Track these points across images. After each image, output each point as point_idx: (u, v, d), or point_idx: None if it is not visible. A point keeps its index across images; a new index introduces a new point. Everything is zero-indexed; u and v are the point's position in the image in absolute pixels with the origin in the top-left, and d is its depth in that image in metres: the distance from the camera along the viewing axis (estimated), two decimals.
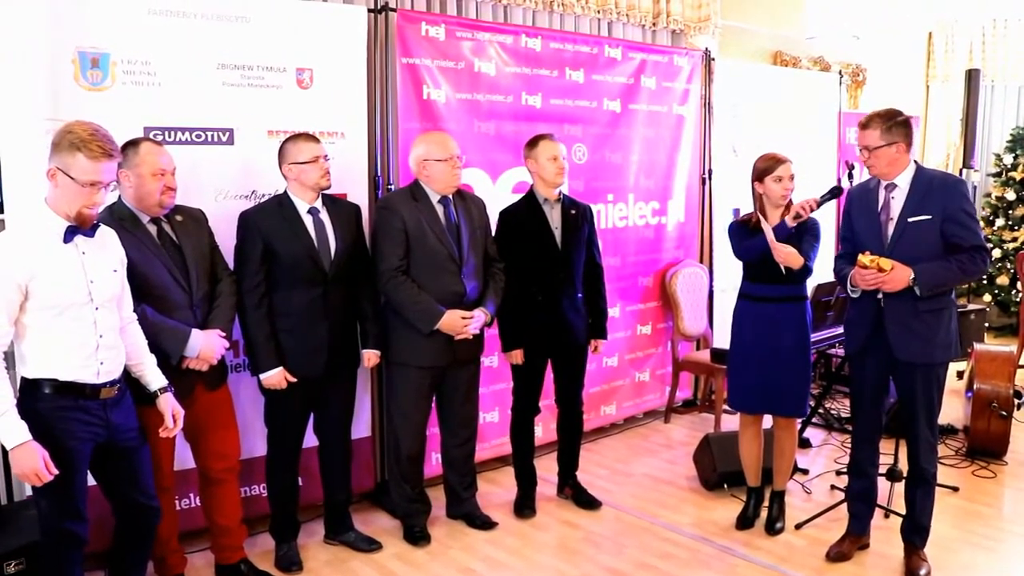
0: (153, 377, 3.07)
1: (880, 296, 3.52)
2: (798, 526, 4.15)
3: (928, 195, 3.46)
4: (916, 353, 3.53)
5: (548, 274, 4.10)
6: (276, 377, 3.60)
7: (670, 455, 5.31)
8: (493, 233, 4.16)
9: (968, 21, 8.92)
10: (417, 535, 4.06)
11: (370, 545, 3.99)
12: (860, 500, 3.89)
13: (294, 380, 3.63)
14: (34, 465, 2.62)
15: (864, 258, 3.42)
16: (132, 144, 3.22)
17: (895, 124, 3.50)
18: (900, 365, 3.58)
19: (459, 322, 3.82)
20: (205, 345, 3.29)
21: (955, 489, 4.62)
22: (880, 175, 3.56)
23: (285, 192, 3.67)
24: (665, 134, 5.77)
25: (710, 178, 6.14)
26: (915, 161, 3.57)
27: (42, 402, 2.72)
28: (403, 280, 3.79)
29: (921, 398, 3.61)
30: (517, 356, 4.18)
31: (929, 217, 3.44)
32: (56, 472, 2.67)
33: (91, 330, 2.78)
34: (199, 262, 3.36)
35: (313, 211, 3.66)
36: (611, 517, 4.38)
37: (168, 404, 3.07)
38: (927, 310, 3.48)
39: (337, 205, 3.80)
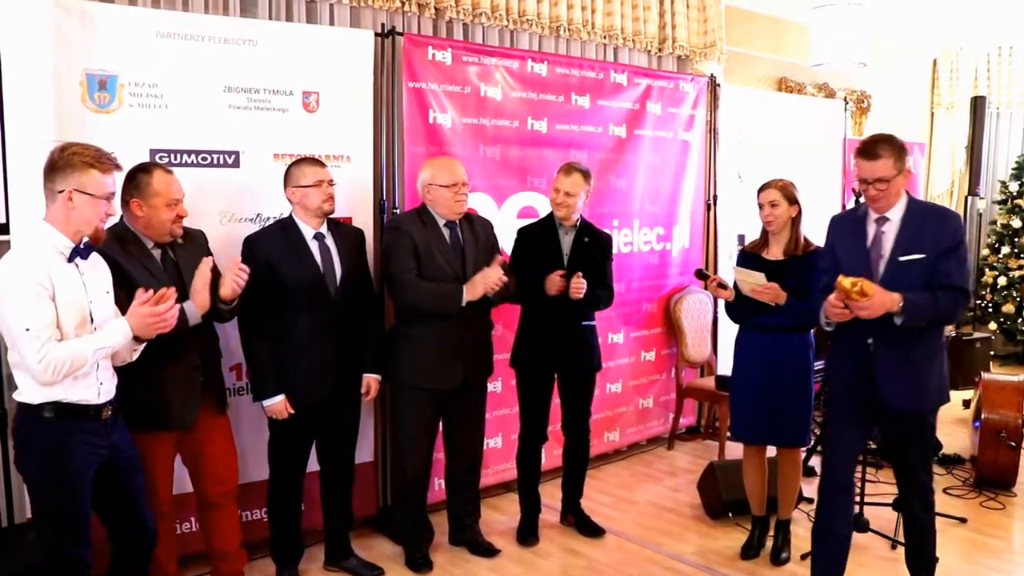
0: (114, 334, 2.77)
1: (871, 342, 3.24)
2: (804, 556, 4.08)
3: (921, 231, 3.21)
4: (909, 401, 3.27)
5: (554, 296, 4.06)
6: (279, 405, 3.59)
7: (673, 482, 5.26)
8: (506, 251, 4.17)
9: (974, 48, 8.95)
10: (419, 562, 4.01)
11: (371, 572, 3.94)
12: (829, 565, 3.48)
13: (293, 412, 3.61)
14: (143, 312, 2.75)
15: (846, 281, 3.06)
16: (144, 172, 3.20)
17: (902, 150, 3.24)
18: (891, 413, 3.30)
19: (478, 279, 3.75)
20: (198, 304, 3.18)
21: (963, 520, 4.57)
22: (883, 209, 3.27)
23: (290, 216, 3.66)
24: (670, 160, 5.77)
25: (715, 204, 6.14)
26: (906, 191, 3.33)
27: (46, 427, 2.70)
28: (419, 280, 3.78)
29: (915, 444, 3.38)
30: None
31: (922, 256, 3.18)
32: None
33: None
34: None
35: (319, 236, 3.65)
36: (614, 545, 4.34)
37: (135, 311, 2.81)
38: (922, 357, 3.26)
39: (341, 229, 3.79)
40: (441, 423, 4.08)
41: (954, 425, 6.33)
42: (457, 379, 3.88)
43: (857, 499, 4.25)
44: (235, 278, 3.27)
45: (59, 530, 2.77)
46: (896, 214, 3.26)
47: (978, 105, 7.94)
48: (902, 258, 3.21)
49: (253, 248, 3.57)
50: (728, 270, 4.30)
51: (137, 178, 3.16)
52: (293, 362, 3.60)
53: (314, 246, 3.64)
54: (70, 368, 2.65)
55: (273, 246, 3.57)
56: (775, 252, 3.98)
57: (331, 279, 3.65)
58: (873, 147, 3.22)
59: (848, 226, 3.40)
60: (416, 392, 3.90)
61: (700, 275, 4.27)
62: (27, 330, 2.60)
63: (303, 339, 3.60)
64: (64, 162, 2.69)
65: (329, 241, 3.68)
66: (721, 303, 4.40)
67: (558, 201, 4.13)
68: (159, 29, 3.66)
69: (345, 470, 3.92)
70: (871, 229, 3.30)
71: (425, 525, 4.15)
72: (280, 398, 3.59)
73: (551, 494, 4.61)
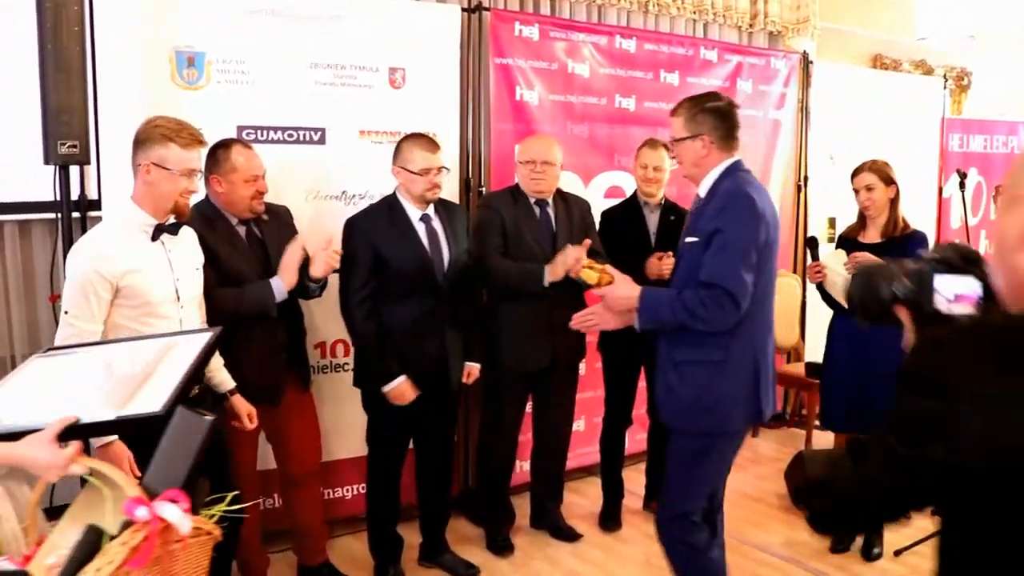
0: (223, 378, 3.02)
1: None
2: (897, 553, 3.94)
3: (704, 211, 2.74)
4: (660, 407, 2.87)
5: (641, 278, 3.96)
6: (403, 386, 3.38)
7: (759, 471, 5.13)
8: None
9: None
10: (501, 544, 3.98)
11: (468, 570, 3.77)
12: None
13: (418, 392, 3.41)
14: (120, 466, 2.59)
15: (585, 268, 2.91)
16: (223, 147, 3.18)
17: (702, 111, 2.74)
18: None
19: (559, 259, 3.54)
20: (286, 281, 3.14)
21: None
22: (688, 177, 2.86)
23: (394, 194, 3.49)
24: (761, 139, 5.59)
25: (806, 185, 5.94)
26: (734, 165, 2.78)
27: None
28: (501, 258, 3.70)
29: (669, 464, 2.91)
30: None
31: (696, 240, 2.70)
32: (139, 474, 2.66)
33: (177, 328, 2.75)
34: None
35: (425, 218, 3.46)
36: None
37: (242, 404, 3.05)
38: (685, 361, 2.75)
39: (449, 210, 3.60)
40: (530, 405, 4.02)
41: None
42: (546, 359, 3.80)
43: None
44: (328, 258, 3.21)
45: None
46: (704, 189, 2.79)
47: None
48: (687, 239, 2.79)
49: (356, 230, 3.41)
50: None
51: (216, 154, 3.15)
52: (396, 353, 3.39)
53: (420, 228, 3.44)
54: None
55: (378, 227, 3.38)
56: (872, 235, 3.86)
57: (439, 265, 3.45)
58: (676, 104, 2.86)
59: None
60: (504, 372, 3.83)
61: (811, 244, 4.10)
62: (65, 312, 2.59)
63: (407, 330, 3.40)
64: (146, 135, 2.67)
65: (436, 224, 3.49)
66: (812, 285, 4.26)
67: (648, 177, 4.05)
68: (246, 6, 3.65)
69: (446, 463, 3.78)
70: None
71: (507, 508, 4.11)
72: (403, 378, 3.36)
73: (634, 479, 4.54)
